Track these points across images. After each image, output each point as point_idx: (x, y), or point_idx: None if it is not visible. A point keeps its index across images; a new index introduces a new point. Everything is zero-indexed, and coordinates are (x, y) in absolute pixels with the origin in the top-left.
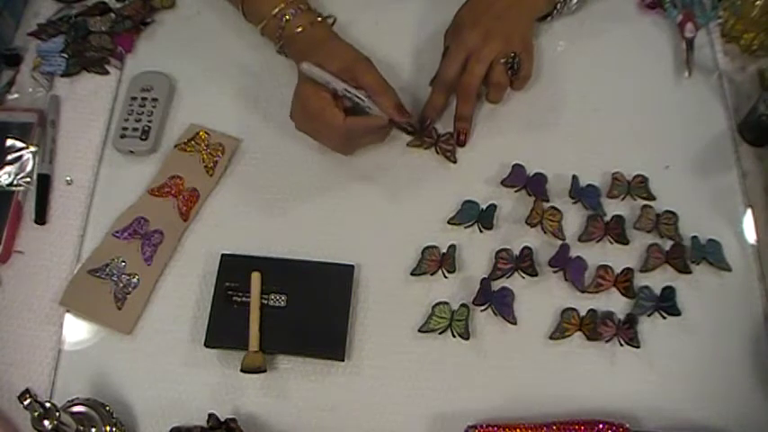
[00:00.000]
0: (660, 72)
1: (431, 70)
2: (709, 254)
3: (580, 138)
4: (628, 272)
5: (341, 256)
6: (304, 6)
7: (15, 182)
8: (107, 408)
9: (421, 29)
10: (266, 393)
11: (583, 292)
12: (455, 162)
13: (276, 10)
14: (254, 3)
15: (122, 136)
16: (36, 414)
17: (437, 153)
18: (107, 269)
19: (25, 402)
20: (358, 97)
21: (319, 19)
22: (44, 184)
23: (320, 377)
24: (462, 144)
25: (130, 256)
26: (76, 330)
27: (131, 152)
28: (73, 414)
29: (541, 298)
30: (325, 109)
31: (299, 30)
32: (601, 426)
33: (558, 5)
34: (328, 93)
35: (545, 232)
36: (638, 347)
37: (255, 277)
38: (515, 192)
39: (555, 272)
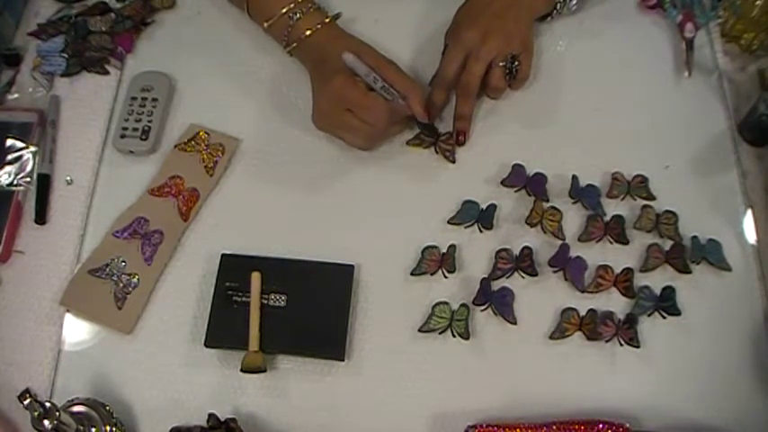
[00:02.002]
0: (660, 72)
1: (431, 69)
2: (710, 254)
3: (580, 138)
4: (628, 272)
5: (341, 256)
6: (313, 6)
7: (15, 182)
8: (107, 408)
9: (421, 27)
10: (266, 393)
11: (583, 291)
12: (454, 162)
13: (285, 9)
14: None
15: (122, 136)
16: (36, 414)
17: (436, 153)
18: (107, 269)
19: (25, 402)
20: (391, 93)
21: (327, 20)
22: (44, 184)
23: (320, 377)
24: (461, 144)
25: (130, 256)
26: (76, 330)
27: (131, 152)
28: (73, 414)
29: (541, 298)
30: (366, 95)
31: (309, 32)
32: (601, 426)
33: (558, 5)
34: (363, 83)
35: (545, 232)
36: (638, 347)
37: (255, 277)
38: (515, 192)
39: (555, 272)
